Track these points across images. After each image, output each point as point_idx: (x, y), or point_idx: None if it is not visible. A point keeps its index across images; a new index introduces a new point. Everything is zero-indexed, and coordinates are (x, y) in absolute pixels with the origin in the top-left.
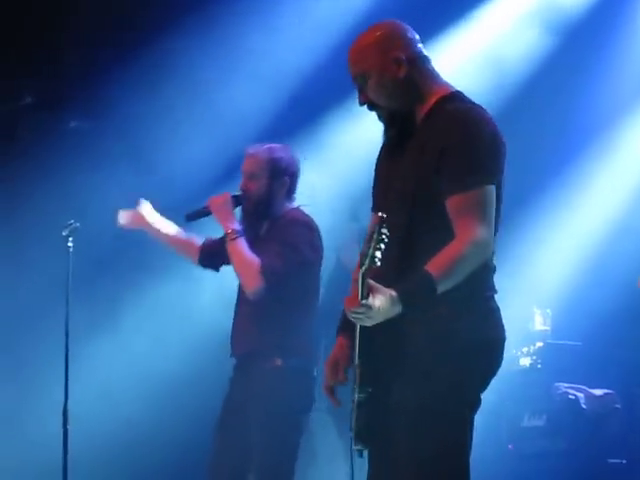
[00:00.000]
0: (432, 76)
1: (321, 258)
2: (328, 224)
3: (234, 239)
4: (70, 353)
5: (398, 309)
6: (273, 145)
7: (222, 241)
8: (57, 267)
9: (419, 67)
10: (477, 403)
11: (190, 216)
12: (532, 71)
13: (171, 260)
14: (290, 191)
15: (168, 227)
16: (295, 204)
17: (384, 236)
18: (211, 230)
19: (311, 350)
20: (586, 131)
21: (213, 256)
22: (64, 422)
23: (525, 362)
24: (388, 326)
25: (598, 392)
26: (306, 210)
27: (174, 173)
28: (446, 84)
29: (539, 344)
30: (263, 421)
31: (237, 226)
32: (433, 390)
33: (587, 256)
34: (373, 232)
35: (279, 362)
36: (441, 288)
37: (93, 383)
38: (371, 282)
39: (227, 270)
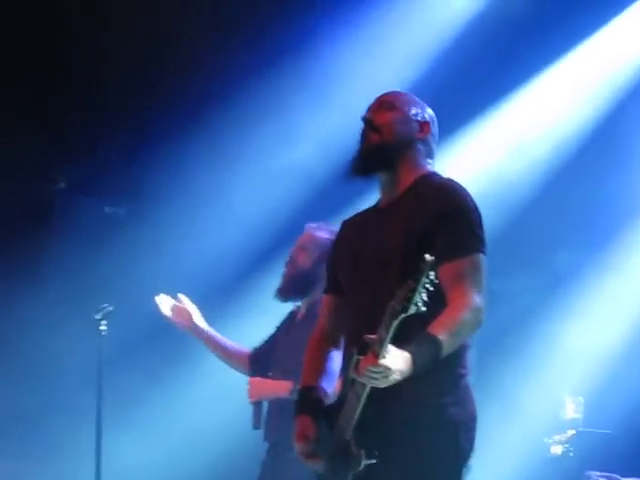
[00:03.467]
0: (427, 160)
1: None
2: None
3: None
4: (102, 438)
5: (410, 372)
6: (332, 229)
7: (270, 347)
8: (90, 351)
9: (427, 149)
10: None
11: (258, 424)
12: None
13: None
14: None
15: (214, 334)
16: None
17: (432, 279)
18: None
19: None
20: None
21: (263, 366)
22: None
23: (557, 450)
24: (375, 402)
25: None
26: None
27: (204, 260)
28: (427, 167)
29: (571, 432)
30: None
31: (289, 384)
32: (423, 469)
33: (620, 342)
34: (419, 275)
35: None
36: (444, 352)
37: (126, 468)
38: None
39: None
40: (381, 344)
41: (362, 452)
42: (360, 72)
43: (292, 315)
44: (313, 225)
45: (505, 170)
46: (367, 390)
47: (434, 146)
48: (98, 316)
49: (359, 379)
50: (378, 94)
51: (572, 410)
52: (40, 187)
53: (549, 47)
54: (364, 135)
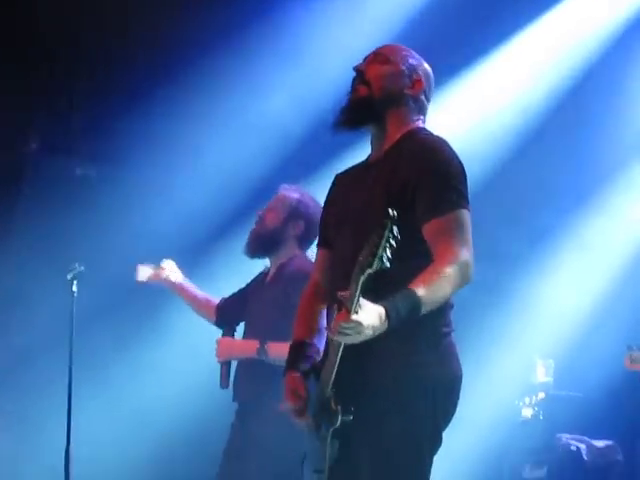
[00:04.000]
0: (417, 115)
1: None
2: None
3: (267, 352)
4: (72, 398)
5: (385, 326)
6: (305, 192)
7: (237, 300)
8: (61, 311)
9: (418, 105)
10: (440, 442)
11: (226, 383)
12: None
13: (175, 306)
14: (302, 238)
15: (188, 285)
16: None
17: (395, 234)
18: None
19: None
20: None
21: (229, 317)
22: (66, 464)
23: (527, 413)
24: (354, 359)
25: (600, 443)
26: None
27: (176, 221)
28: (417, 123)
29: (541, 395)
30: (265, 466)
31: (256, 344)
32: (400, 427)
33: (590, 306)
34: (382, 230)
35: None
36: (425, 308)
37: (95, 428)
38: (362, 299)
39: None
40: (352, 300)
41: (339, 408)
42: (334, 30)
43: (262, 276)
44: (286, 186)
45: (483, 129)
46: (342, 346)
47: (427, 103)
48: (69, 276)
49: (333, 336)
50: (349, 52)
51: (543, 373)
52: (11, 148)
53: (525, 9)
54: (354, 86)
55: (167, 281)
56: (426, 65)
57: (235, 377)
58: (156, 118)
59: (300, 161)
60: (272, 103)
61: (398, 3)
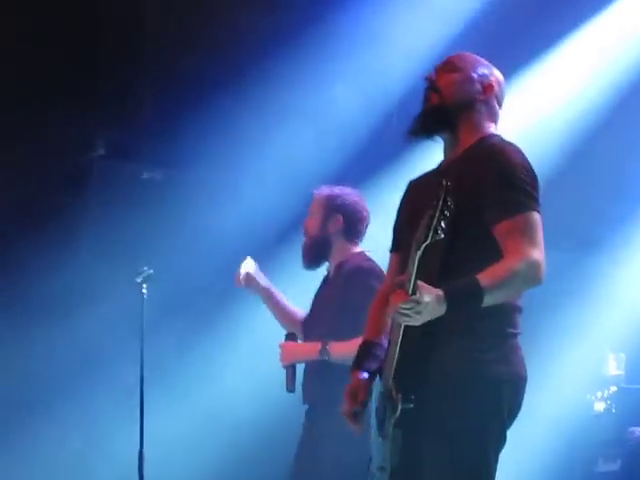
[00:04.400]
0: (489, 122)
1: None
2: None
3: (329, 353)
4: (145, 402)
5: (443, 309)
6: (336, 186)
7: None
8: (130, 314)
9: (490, 111)
10: (504, 440)
11: (292, 387)
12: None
13: (243, 306)
14: (348, 232)
15: (276, 292)
16: (358, 249)
17: (449, 204)
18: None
19: None
20: None
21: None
22: (140, 466)
23: (599, 407)
24: (417, 350)
25: None
26: (370, 255)
27: (242, 222)
28: (490, 129)
29: (613, 388)
30: (336, 466)
31: (318, 345)
32: (465, 422)
33: None
34: (437, 200)
35: None
36: (488, 299)
37: (166, 430)
38: (419, 281)
39: None
40: (409, 279)
41: (399, 397)
42: (398, 28)
43: (325, 278)
44: (315, 190)
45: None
46: (402, 331)
47: (499, 109)
48: (139, 279)
49: (392, 317)
50: (412, 51)
51: (614, 367)
52: (78, 154)
53: (580, 10)
54: (426, 95)
55: (255, 284)
56: (496, 71)
57: (304, 378)
58: (221, 119)
59: (363, 162)
60: (338, 102)
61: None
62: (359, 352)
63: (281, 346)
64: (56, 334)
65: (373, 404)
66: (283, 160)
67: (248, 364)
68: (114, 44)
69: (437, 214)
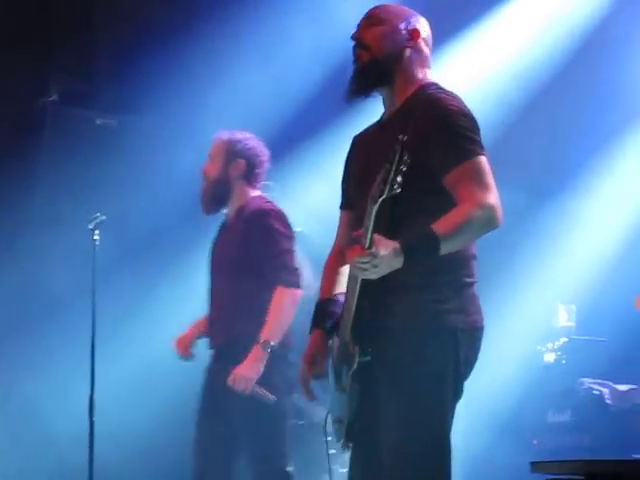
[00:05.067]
0: (423, 69)
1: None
2: None
3: (267, 343)
4: (96, 347)
5: (400, 261)
6: (239, 131)
7: None
8: (83, 261)
9: (421, 57)
10: (461, 391)
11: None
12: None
13: (200, 253)
14: (249, 176)
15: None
16: (257, 192)
17: (405, 159)
18: None
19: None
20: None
21: None
22: (90, 413)
23: (549, 358)
24: (373, 303)
25: (623, 387)
26: (268, 197)
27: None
28: (426, 76)
29: (564, 340)
30: (247, 406)
31: (257, 349)
32: (421, 374)
33: (613, 251)
34: (393, 155)
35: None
36: (445, 247)
37: (118, 377)
38: (375, 235)
39: None
40: (366, 233)
41: (356, 349)
42: None
43: (223, 223)
44: (215, 135)
45: (497, 80)
46: (359, 284)
47: (428, 52)
48: (91, 225)
49: (349, 271)
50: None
51: (565, 318)
52: (32, 99)
53: None
54: (355, 54)
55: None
56: (419, 16)
57: (210, 321)
58: (176, 63)
59: (316, 113)
60: (295, 44)
61: None
62: (316, 310)
63: (232, 380)
64: (8, 276)
65: (330, 358)
66: (239, 105)
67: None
68: None
69: (394, 168)
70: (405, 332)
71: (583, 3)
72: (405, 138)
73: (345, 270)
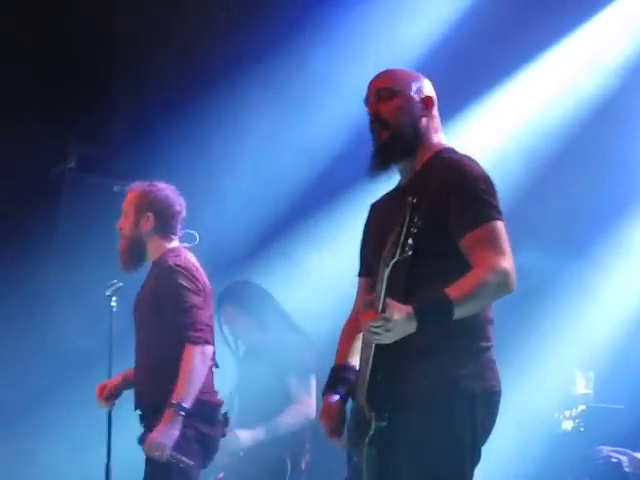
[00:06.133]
0: (437, 134)
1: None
2: None
3: (180, 406)
4: (113, 413)
5: (414, 325)
6: (149, 183)
7: None
8: (99, 327)
9: (435, 122)
10: (479, 456)
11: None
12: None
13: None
14: (161, 229)
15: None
16: (174, 244)
17: (415, 221)
18: None
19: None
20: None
21: None
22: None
23: (567, 425)
24: (389, 368)
25: None
26: (184, 249)
27: (214, 235)
28: (441, 141)
29: (582, 407)
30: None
31: (170, 411)
32: (438, 440)
33: (630, 318)
34: (404, 218)
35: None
36: (458, 312)
37: (135, 444)
38: (388, 299)
39: None
40: (378, 297)
41: (372, 414)
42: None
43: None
44: (130, 186)
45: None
46: (373, 350)
47: (438, 112)
48: (108, 292)
49: (363, 337)
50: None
51: (583, 385)
52: (50, 166)
53: (559, 22)
54: (375, 132)
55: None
56: (424, 78)
57: (135, 382)
58: (194, 132)
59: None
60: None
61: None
62: (330, 376)
63: (147, 447)
64: (25, 344)
65: (346, 427)
66: (259, 171)
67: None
68: (85, 59)
69: (404, 231)
70: (421, 398)
71: (595, 75)
72: (414, 200)
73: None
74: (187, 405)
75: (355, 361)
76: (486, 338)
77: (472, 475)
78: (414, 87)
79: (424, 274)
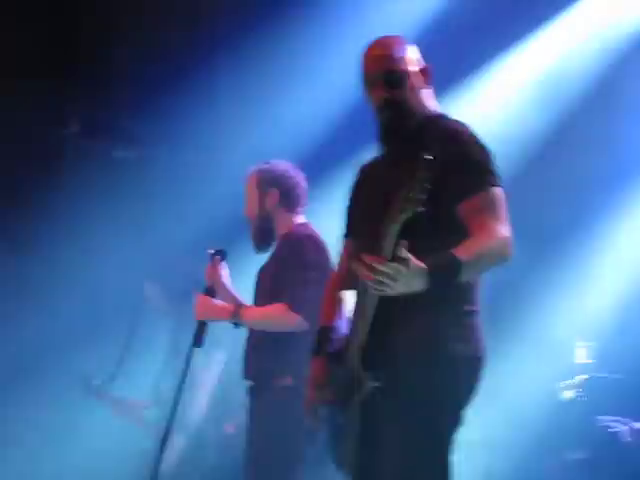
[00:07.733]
0: (432, 100)
1: (324, 272)
2: None
3: (241, 317)
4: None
5: (421, 283)
6: (268, 160)
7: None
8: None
9: (430, 89)
10: (460, 420)
11: (198, 342)
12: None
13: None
14: (286, 202)
15: (231, 288)
16: (301, 218)
17: (429, 176)
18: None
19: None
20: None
21: None
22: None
23: (568, 395)
24: (379, 331)
25: None
26: (312, 226)
27: (217, 203)
28: (436, 108)
29: (582, 377)
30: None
31: (231, 307)
32: (420, 403)
33: (632, 288)
34: (416, 173)
35: (285, 381)
36: (463, 276)
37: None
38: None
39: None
40: (387, 246)
41: (367, 374)
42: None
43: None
44: (247, 170)
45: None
46: (374, 305)
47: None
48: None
49: (367, 282)
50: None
51: (584, 355)
52: (51, 131)
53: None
54: (385, 116)
55: (218, 281)
56: (415, 48)
57: (245, 353)
58: (198, 97)
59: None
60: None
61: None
62: (318, 338)
63: (197, 299)
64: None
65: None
66: (260, 140)
67: None
68: (89, 24)
69: (417, 186)
70: (406, 358)
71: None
72: (429, 157)
73: (345, 297)
74: (241, 322)
75: (339, 322)
76: (471, 302)
77: (451, 440)
78: (413, 59)
79: (415, 237)
